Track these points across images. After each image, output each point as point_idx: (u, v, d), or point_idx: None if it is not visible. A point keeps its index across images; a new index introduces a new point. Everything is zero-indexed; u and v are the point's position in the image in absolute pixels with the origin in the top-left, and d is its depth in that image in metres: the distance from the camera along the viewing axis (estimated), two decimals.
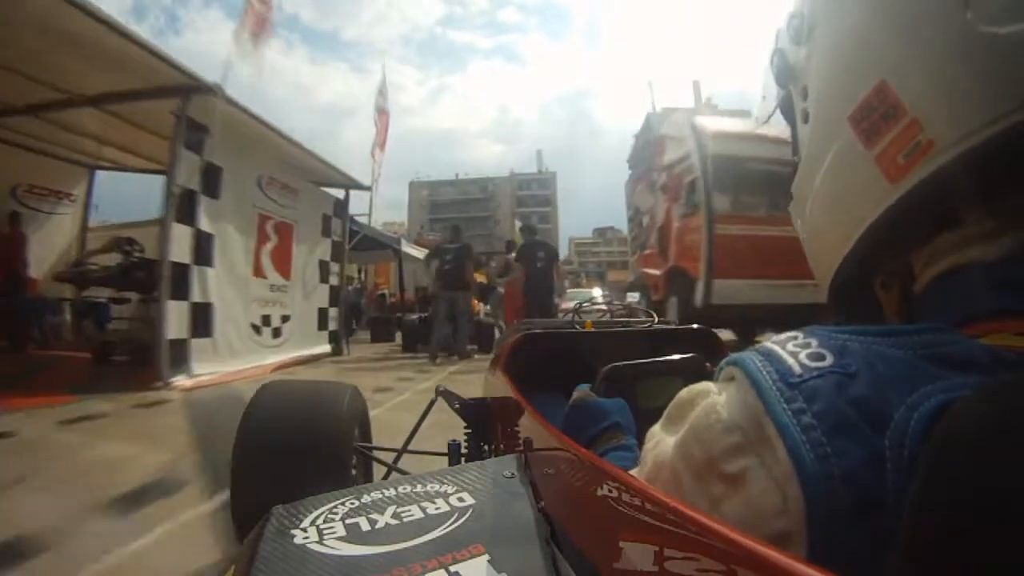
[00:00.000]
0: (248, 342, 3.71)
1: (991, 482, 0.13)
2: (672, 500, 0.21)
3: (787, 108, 0.33)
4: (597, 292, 11.72)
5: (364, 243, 6.50)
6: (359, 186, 5.55)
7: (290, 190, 4.41)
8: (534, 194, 42.73)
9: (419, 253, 8.43)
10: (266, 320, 4.02)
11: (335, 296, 5.31)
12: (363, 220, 5.73)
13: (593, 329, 1.04)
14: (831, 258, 0.29)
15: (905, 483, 0.17)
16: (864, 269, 0.28)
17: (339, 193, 5.52)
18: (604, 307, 1.75)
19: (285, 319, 4.32)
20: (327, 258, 5.15)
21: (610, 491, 0.28)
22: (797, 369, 0.20)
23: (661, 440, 0.26)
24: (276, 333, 4.14)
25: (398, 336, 6.59)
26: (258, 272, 3.91)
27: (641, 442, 0.30)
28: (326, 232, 5.17)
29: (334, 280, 5.38)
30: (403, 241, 8.12)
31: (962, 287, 0.23)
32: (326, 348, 4.88)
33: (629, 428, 0.48)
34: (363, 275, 12.40)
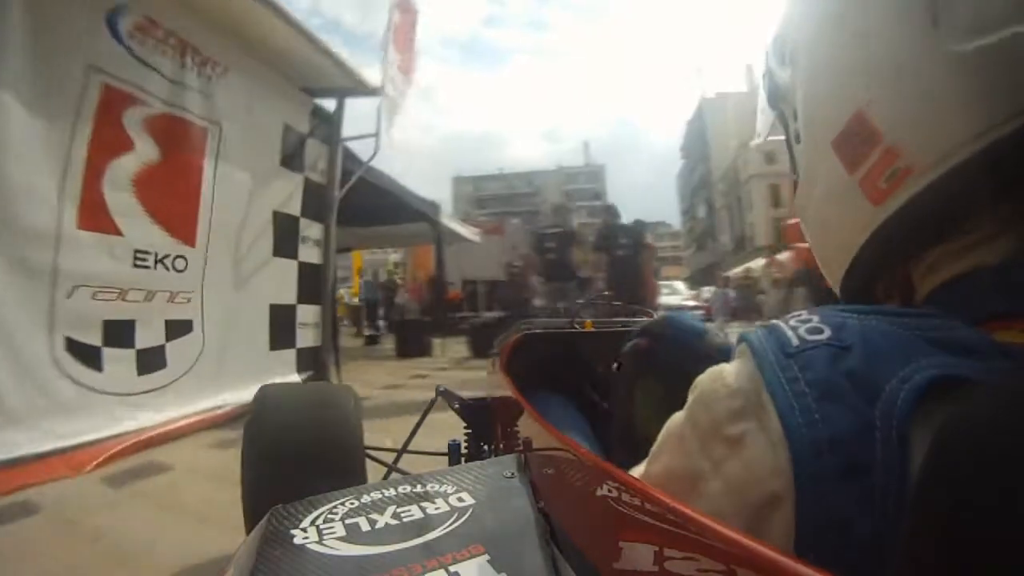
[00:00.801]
0: (51, 390, 2.95)
1: (994, 484, 0.26)
2: (672, 500, 0.42)
3: (784, 127, 0.57)
4: (680, 286, 16.52)
5: (383, 209, 6.99)
6: (362, 88, 5.24)
7: (202, 61, 3.89)
8: (581, 188, 66.97)
9: (468, 233, 10.21)
10: (114, 333, 3.33)
11: (314, 284, 5.07)
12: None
13: (593, 329, 1.78)
14: (835, 272, 0.54)
15: (893, 452, 0.34)
16: (865, 281, 0.53)
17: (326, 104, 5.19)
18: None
19: (177, 331, 3.75)
20: (294, 211, 4.88)
21: (610, 491, 0.52)
22: (795, 341, 0.41)
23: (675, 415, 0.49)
24: (147, 362, 3.51)
25: (439, 347, 8.63)
26: (92, 219, 3.21)
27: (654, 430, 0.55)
28: (293, 162, 4.84)
29: (310, 254, 5.09)
30: (442, 211, 8.89)
31: (963, 294, 0.44)
32: (292, 381, 4.38)
33: None
34: (402, 269, 16.04)
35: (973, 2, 0.40)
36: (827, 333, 0.41)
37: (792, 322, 0.43)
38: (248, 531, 1.25)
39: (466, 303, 12.54)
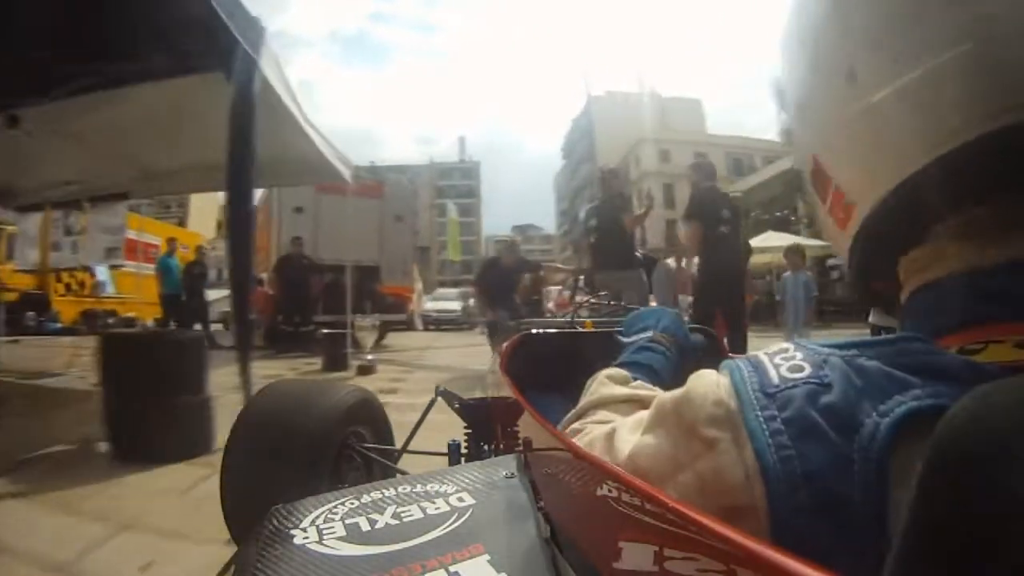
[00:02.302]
0: None
1: (990, 499, 0.26)
2: (672, 500, 0.43)
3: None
4: None
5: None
6: None
7: None
8: (455, 184, 68.24)
9: (332, 156, 5.17)
10: None
11: None
12: None
13: (593, 329, 1.86)
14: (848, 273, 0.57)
15: (871, 485, 0.36)
16: (864, 282, 0.59)
17: None
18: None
19: None
20: None
21: (610, 491, 0.53)
22: (775, 380, 0.44)
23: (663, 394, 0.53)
24: None
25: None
26: None
27: None
28: None
29: None
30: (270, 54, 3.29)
31: (932, 302, 0.48)
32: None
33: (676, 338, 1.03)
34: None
35: (883, 53, 0.46)
36: (807, 371, 0.44)
37: (776, 359, 0.47)
38: (226, 517, 1.44)
39: (323, 301, 8.74)
